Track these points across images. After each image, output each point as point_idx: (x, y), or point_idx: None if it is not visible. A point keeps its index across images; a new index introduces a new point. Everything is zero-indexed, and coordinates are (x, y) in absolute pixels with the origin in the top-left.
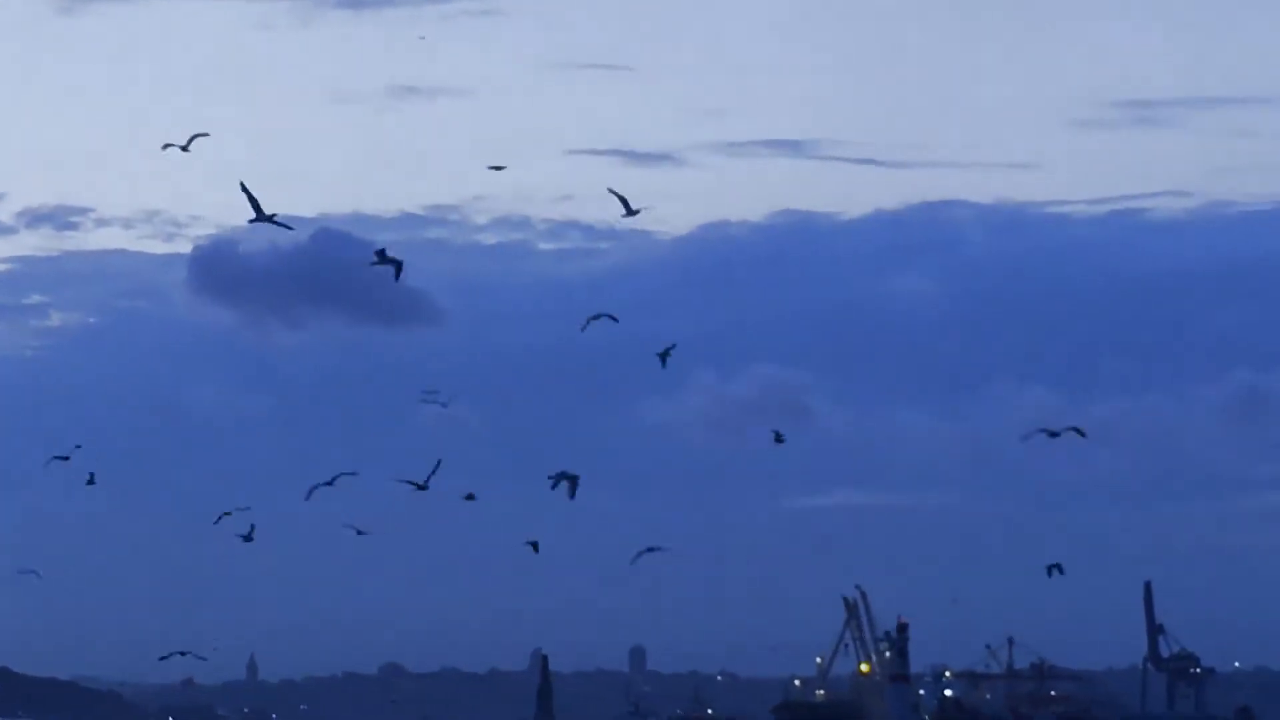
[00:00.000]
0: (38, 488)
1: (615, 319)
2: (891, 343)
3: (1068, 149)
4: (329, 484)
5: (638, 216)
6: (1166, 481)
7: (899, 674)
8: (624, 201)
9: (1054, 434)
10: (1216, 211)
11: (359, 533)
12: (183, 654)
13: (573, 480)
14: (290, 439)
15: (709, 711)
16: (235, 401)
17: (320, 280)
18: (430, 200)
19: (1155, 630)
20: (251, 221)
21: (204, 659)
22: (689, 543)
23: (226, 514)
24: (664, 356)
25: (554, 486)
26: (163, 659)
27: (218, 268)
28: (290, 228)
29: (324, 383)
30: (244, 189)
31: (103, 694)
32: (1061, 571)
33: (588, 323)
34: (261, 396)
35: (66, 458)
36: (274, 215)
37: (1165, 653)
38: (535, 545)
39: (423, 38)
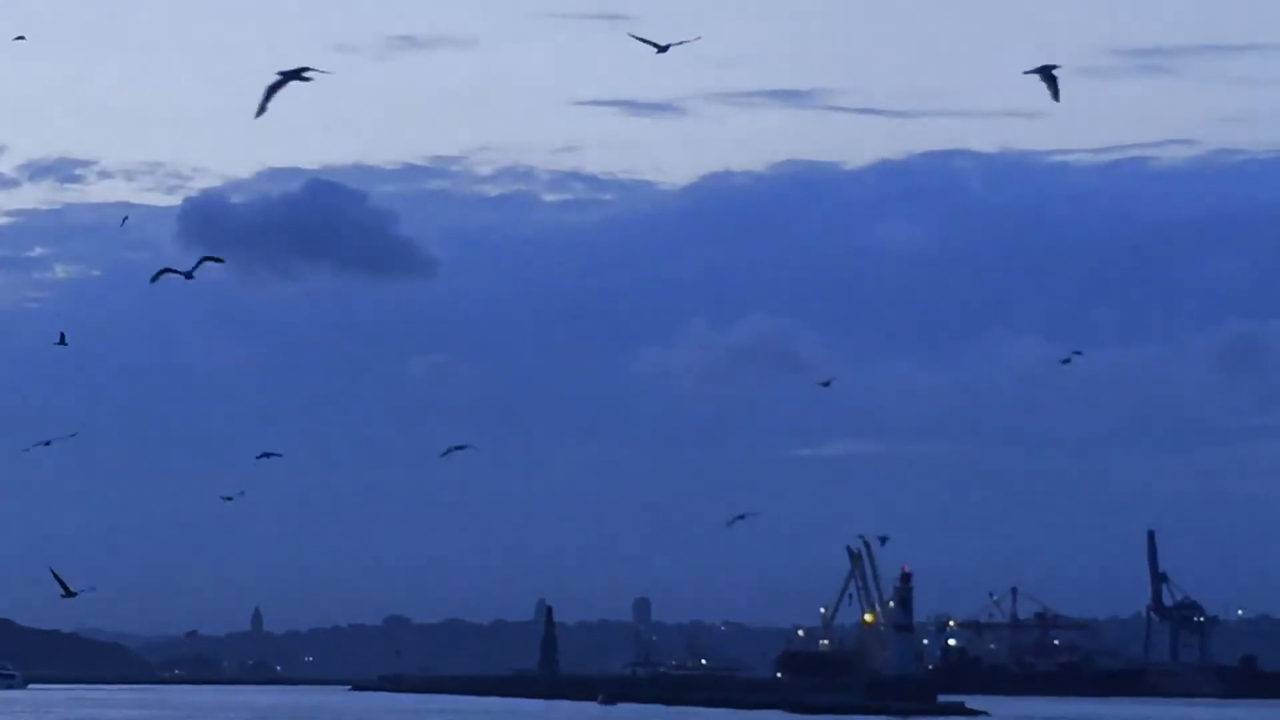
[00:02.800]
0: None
1: None
2: (893, 292)
3: (1071, 97)
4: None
5: (630, 173)
6: (1166, 431)
7: (903, 624)
8: (651, 43)
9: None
10: (1222, 160)
11: (458, 449)
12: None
13: None
14: (289, 390)
15: (703, 661)
16: (232, 352)
17: (315, 231)
18: (432, 151)
19: (1159, 579)
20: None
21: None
22: (693, 492)
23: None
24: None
25: None
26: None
27: (209, 219)
28: None
29: (322, 333)
30: None
31: (106, 646)
32: None
33: None
34: (258, 347)
35: (48, 442)
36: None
37: (1169, 602)
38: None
39: None
